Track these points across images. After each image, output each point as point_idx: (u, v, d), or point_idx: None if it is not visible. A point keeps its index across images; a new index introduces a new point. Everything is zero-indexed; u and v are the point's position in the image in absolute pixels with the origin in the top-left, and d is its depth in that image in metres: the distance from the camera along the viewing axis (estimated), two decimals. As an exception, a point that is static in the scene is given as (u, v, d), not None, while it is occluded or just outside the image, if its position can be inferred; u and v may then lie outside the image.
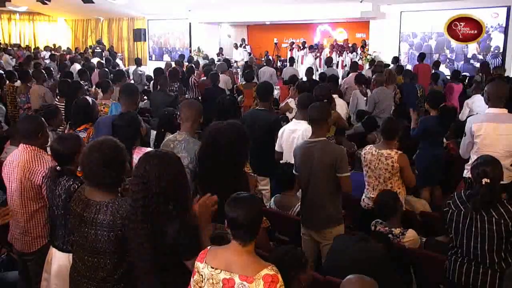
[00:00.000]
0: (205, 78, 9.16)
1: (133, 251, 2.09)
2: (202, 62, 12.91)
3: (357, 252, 2.76)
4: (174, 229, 1.98)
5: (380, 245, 2.93)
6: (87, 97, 4.62)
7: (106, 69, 8.88)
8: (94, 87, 7.75)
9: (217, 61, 13.23)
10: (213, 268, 1.91)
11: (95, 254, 2.19)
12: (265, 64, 11.63)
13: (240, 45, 16.42)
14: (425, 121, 4.97)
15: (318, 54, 14.94)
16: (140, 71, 10.70)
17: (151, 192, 1.98)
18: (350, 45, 14.76)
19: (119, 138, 3.04)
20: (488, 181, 2.56)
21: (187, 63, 11.96)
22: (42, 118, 3.25)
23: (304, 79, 8.84)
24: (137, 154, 3.11)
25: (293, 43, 16.35)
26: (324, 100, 4.90)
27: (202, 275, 1.94)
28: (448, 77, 9.97)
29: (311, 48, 15.16)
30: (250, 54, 16.12)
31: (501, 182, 2.77)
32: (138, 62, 11.27)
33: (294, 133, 4.35)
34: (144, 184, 1.98)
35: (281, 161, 4.33)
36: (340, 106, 6.02)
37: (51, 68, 10.07)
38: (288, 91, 8.04)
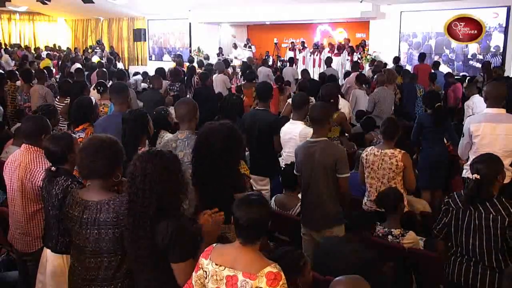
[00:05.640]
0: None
1: (130, 249, 2.10)
2: (204, 62, 12.89)
3: (347, 254, 2.76)
4: (170, 229, 1.98)
5: (369, 244, 2.92)
6: (91, 97, 4.61)
7: (105, 69, 8.86)
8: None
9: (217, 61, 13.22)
10: (217, 265, 1.94)
11: (98, 254, 2.19)
12: (261, 64, 11.63)
13: (245, 45, 16.39)
14: (420, 118, 5.11)
15: (318, 54, 14.90)
16: (135, 79, 10.77)
17: (153, 191, 1.98)
18: (349, 45, 14.72)
19: (126, 134, 3.08)
20: (478, 177, 2.58)
21: (187, 63, 11.93)
22: (47, 119, 3.21)
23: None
24: None
25: (293, 43, 16.33)
26: (330, 100, 4.91)
27: (206, 272, 1.96)
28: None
29: (316, 48, 14.99)
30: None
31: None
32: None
33: (291, 134, 4.34)
34: (147, 183, 1.98)
35: (285, 162, 4.33)
36: (343, 106, 6.03)
37: (51, 68, 10.08)
38: (279, 91, 8.07)
